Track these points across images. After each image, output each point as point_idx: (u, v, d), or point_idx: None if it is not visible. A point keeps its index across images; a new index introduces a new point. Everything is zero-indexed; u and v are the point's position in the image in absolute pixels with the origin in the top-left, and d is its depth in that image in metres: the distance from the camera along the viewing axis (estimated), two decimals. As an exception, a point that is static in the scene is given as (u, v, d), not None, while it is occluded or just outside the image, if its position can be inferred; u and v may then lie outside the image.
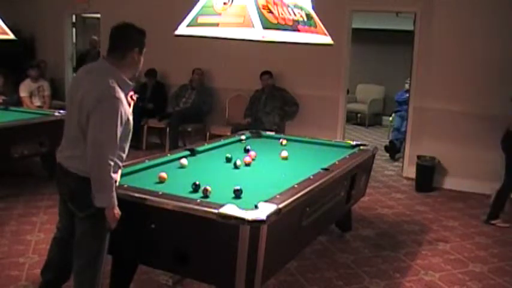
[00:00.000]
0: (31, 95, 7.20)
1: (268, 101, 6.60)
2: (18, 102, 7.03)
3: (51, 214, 4.33)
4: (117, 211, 2.47)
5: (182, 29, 2.71)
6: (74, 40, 9.13)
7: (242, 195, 2.67)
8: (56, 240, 2.80)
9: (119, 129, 2.40)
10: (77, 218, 2.57)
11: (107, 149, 2.38)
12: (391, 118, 8.23)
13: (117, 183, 2.55)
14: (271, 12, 2.54)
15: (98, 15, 8.53)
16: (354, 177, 3.76)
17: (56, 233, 2.80)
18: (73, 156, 2.51)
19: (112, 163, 2.40)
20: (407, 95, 6.76)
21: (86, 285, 2.56)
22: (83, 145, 2.43)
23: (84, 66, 2.68)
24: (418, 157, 5.98)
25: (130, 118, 2.53)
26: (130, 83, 2.55)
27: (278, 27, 2.56)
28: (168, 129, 7.03)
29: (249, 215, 2.28)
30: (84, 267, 2.55)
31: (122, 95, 2.44)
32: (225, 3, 2.56)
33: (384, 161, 7.32)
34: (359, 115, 10.90)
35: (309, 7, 2.93)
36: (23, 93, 7.16)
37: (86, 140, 2.41)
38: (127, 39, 2.54)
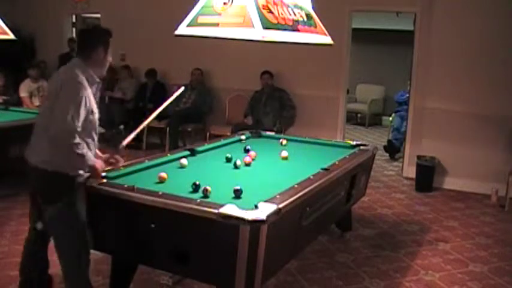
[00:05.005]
0: (31, 95, 7.20)
1: (268, 102, 6.60)
2: (18, 102, 7.03)
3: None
4: (98, 165, 2.65)
5: (182, 29, 2.71)
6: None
7: (242, 195, 2.67)
8: (28, 241, 2.93)
9: (82, 111, 2.53)
10: (49, 218, 2.62)
11: (72, 124, 2.47)
12: (391, 118, 8.24)
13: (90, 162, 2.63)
14: (271, 12, 2.54)
15: (98, 15, 8.53)
16: (354, 177, 3.76)
17: (28, 234, 2.93)
18: (40, 148, 2.59)
19: (78, 139, 2.49)
20: (408, 95, 6.76)
21: (78, 283, 2.65)
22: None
23: (60, 68, 2.82)
24: (418, 157, 5.98)
25: (95, 111, 2.68)
26: (97, 79, 2.73)
27: (278, 27, 2.56)
28: (168, 129, 7.03)
29: (249, 215, 2.28)
30: (70, 266, 2.64)
31: (86, 84, 2.60)
32: (225, 3, 2.56)
33: (383, 161, 7.32)
34: (359, 115, 10.90)
35: (309, 7, 2.93)
36: (23, 93, 7.16)
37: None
38: (91, 39, 2.75)
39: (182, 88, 3.52)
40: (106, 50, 2.75)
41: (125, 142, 2.99)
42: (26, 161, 2.66)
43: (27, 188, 2.76)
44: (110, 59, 2.80)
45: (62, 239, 2.63)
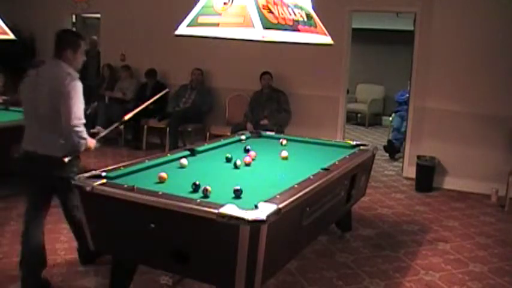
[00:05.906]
0: (31, 95, 7.19)
1: (268, 104, 6.60)
2: (18, 102, 7.01)
3: (51, 214, 4.31)
4: (92, 144, 3.25)
5: (182, 29, 2.71)
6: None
7: (242, 195, 2.67)
8: (26, 211, 3.30)
9: (82, 102, 3.07)
10: (62, 191, 3.18)
11: (80, 117, 3.02)
12: (391, 118, 8.24)
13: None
14: (271, 12, 2.54)
15: (98, 15, 8.53)
16: (354, 177, 3.76)
17: (25, 226, 3.24)
18: (50, 141, 3.05)
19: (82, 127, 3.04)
20: (408, 95, 6.76)
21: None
22: (59, 123, 2.99)
23: (38, 69, 3.24)
24: (418, 157, 5.98)
25: None
26: (77, 74, 3.13)
27: (278, 27, 2.56)
28: (168, 129, 7.03)
29: (249, 215, 2.28)
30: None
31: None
32: (225, 3, 2.56)
33: (383, 161, 7.32)
34: (359, 115, 10.90)
35: (309, 7, 2.93)
36: (23, 93, 7.15)
37: (60, 116, 2.98)
38: (61, 42, 3.17)
39: (166, 90, 4.09)
40: (75, 52, 3.16)
41: (102, 135, 3.49)
42: (27, 152, 3.13)
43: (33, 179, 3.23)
44: (81, 58, 3.21)
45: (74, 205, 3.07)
